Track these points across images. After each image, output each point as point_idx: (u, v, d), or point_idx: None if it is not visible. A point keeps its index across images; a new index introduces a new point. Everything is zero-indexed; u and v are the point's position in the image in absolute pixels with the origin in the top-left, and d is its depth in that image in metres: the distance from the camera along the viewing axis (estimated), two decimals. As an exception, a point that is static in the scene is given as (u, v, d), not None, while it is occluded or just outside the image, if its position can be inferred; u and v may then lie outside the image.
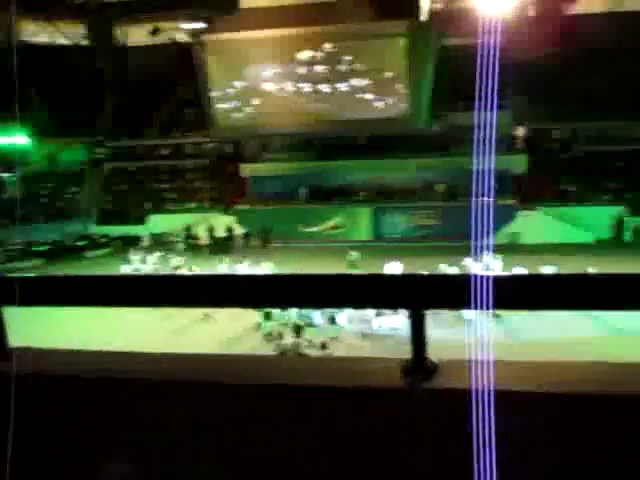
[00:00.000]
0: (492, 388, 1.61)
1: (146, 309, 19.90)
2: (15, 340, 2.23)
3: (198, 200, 37.45)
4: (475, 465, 1.57)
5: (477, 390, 1.61)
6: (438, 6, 25.75)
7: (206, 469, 1.90)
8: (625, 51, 34.96)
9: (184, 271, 22.73)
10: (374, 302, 2.35)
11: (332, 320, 16.49)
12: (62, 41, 41.59)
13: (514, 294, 1.81)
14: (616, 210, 31.13)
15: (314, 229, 33.55)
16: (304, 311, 16.59)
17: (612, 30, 34.39)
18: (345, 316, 17.22)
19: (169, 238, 35.39)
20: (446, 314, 14.51)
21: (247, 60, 24.96)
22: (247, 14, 22.44)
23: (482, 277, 1.70)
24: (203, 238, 34.19)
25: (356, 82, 24.50)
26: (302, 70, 24.64)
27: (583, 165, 33.98)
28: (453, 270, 19.79)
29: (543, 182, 33.62)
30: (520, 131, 35.18)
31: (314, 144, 35.59)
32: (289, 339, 14.91)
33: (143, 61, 41.60)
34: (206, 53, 25.12)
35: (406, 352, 1.82)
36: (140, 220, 37.17)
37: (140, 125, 40.99)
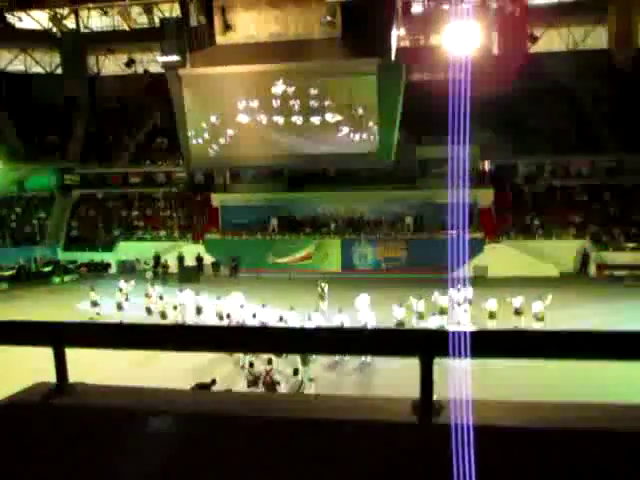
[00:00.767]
0: (494, 425, 1.86)
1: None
2: None
3: (168, 228, 37.34)
4: None
5: (480, 427, 1.83)
6: (406, 43, 26.54)
7: None
8: (585, 87, 36.35)
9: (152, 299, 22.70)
10: (385, 351, 2.59)
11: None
12: (37, 69, 41.75)
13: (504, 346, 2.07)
14: (580, 244, 31.89)
15: (284, 259, 33.68)
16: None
17: (573, 68, 35.85)
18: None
19: (137, 266, 35.23)
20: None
21: (222, 94, 25.30)
22: (222, 50, 22.85)
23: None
24: (172, 266, 34.10)
25: (328, 117, 24.98)
26: (275, 103, 25.08)
27: (547, 199, 34.88)
28: (421, 303, 20.15)
29: (509, 215, 34.39)
30: (486, 165, 36.05)
31: (284, 175, 35.98)
32: (260, 367, 14.95)
33: (116, 89, 41.89)
34: (181, 86, 25.40)
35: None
36: (108, 247, 36.91)
37: (111, 152, 40.97)
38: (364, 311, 20.13)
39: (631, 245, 31.22)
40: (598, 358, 1.93)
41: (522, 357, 2.03)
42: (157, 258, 34.52)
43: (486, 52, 23.62)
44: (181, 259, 34.12)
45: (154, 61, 33.07)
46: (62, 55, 30.83)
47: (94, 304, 23.55)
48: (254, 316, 18.36)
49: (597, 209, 33.54)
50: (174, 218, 37.84)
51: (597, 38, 35.23)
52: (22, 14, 28.69)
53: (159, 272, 33.35)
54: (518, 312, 20.81)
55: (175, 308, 20.76)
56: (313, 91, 24.44)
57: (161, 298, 22.39)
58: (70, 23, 28.34)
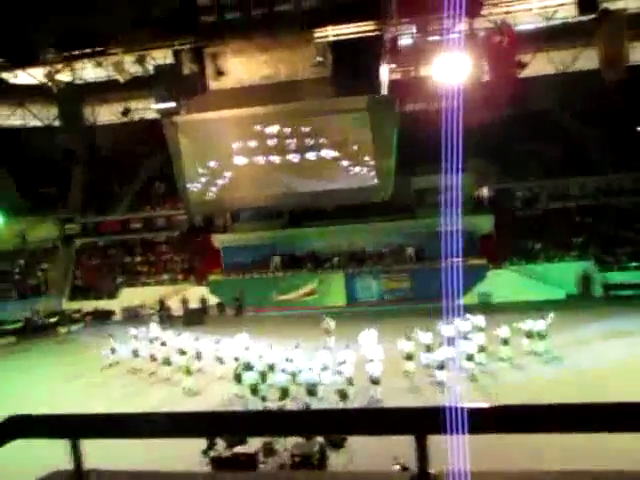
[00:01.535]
0: None
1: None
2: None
3: (170, 272, 37.38)
4: None
5: None
6: (397, 76, 26.90)
7: None
8: (575, 109, 36.69)
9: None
10: (382, 431, 2.61)
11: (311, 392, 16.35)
12: (34, 122, 42.29)
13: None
14: (583, 265, 31.78)
15: (288, 296, 33.62)
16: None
17: (563, 90, 36.22)
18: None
19: (142, 311, 35.19)
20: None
21: (217, 137, 25.63)
22: (215, 95, 23.22)
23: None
24: (177, 310, 34.09)
25: (324, 155, 25.22)
26: (271, 143, 25.35)
27: (547, 222, 34.90)
28: (428, 335, 20.01)
29: (509, 241, 34.38)
30: (483, 192, 36.20)
31: (283, 212, 36.16)
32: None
33: (112, 137, 42.37)
34: (177, 132, 25.74)
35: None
36: (112, 294, 36.91)
37: (110, 200, 41.27)
38: (370, 346, 19.99)
39: (635, 264, 31.13)
40: (604, 430, 1.92)
41: (522, 432, 2.03)
42: (162, 302, 34.50)
43: (476, 80, 23.86)
44: (185, 302, 34.13)
45: (149, 108, 33.53)
46: (59, 108, 31.22)
47: (113, 351, 23.73)
48: (260, 358, 18.26)
49: (597, 230, 33.52)
50: (176, 261, 37.91)
51: (587, 60, 35.57)
52: (18, 70, 29.15)
53: (164, 316, 33.31)
54: (529, 336, 20.80)
55: (182, 353, 20.63)
56: (307, 129, 24.73)
57: (163, 344, 22.20)
58: (65, 76, 28.78)
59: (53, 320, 34.44)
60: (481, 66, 23.13)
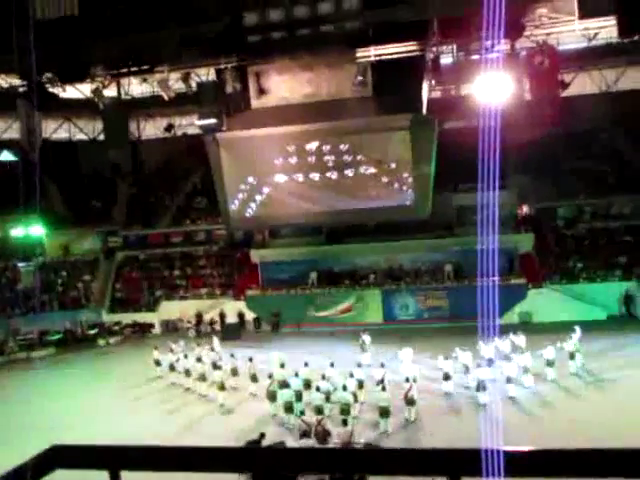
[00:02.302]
0: None
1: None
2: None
3: (209, 286, 37.77)
4: None
5: None
6: (438, 94, 26.88)
7: None
8: (621, 127, 36.09)
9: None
10: (416, 471, 2.63)
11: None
12: (80, 136, 43.57)
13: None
14: (626, 286, 31.05)
15: (325, 313, 33.62)
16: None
17: (607, 109, 35.72)
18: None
19: (180, 325, 35.61)
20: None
21: (258, 155, 25.97)
22: (257, 113, 23.55)
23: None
24: (214, 324, 34.43)
25: (362, 171, 25.29)
26: (311, 160, 25.54)
27: (589, 241, 34.25)
28: (467, 355, 19.76)
29: (550, 260, 33.83)
30: (524, 210, 35.74)
31: (322, 228, 36.26)
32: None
33: (156, 153, 43.34)
34: (219, 150, 26.16)
35: None
36: (151, 307, 37.47)
37: (152, 214, 42.02)
38: (407, 365, 19.86)
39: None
40: None
41: (560, 476, 2.01)
42: (199, 316, 34.87)
43: (518, 99, 23.64)
44: (223, 316, 34.43)
45: (192, 124, 34.16)
46: (104, 123, 32.04)
47: (157, 363, 24.03)
48: (296, 375, 18.27)
49: (641, 250, 32.73)
50: (215, 276, 38.30)
51: (630, 79, 35.10)
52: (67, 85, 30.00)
53: (201, 330, 33.64)
54: (572, 356, 20.49)
55: (216, 367, 20.72)
56: (346, 147, 24.87)
57: (199, 360, 22.29)
58: (111, 92, 29.56)
59: (93, 332, 35.08)
60: (523, 85, 22.92)
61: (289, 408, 16.86)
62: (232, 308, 34.88)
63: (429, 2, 20.23)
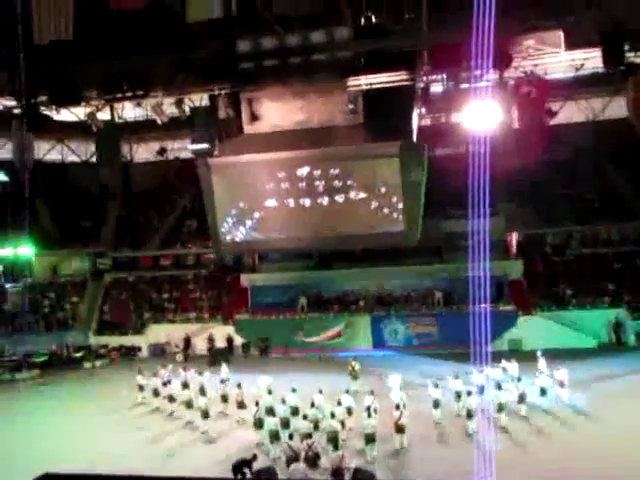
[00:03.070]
0: None
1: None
2: None
3: (197, 310, 37.58)
4: None
5: None
6: (427, 122, 27.22)
7: None
8: (606, 155, 36.60)
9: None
10: None
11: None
12: (72, 158, 43.68)
13: None
14: (615, 312, 31.17)
15: (314, 338, 33.45)
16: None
17: (593, 136, 36.29)
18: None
19: (168, 348, 35.30)
20: None
21: (249, 180, 26.04)
22: (249, 138, 23.74)
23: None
24: (202, 348, 34.17)
25: (352, 196, 25.40)
26: (301, 185, 25.65)
27: (578, 268, 34.44)
28: (458, 382, 19.65)
29: (539, 286, 33.96)
30: (514, 237, 35.94)
31: (312, 253, 36.25)
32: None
33: (147, 175, 43.44)
34: (211, 174, 26.25)
35: None
36: (139, 330, 37.17)
37: (142, 236, 41.91)
38: (396, 391, 19.75)
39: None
40: None
41: None
42: (187, 340, 34.62)
43: (506, 127, 24.01)
44: (211, 340, 34.20)
45: (184, 148, 34.36)
46: (97, 145, 32.18)
47: (140, 388, 23.57)
48: (283, 402, 18.07)
49: (630, 276, 32.94)
50: (203, 300, 38.13)
51: (616, 108, 35.66)
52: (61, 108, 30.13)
53: (189, 355, 33.36)
54: (563, 385, 20.44)
55: (202, 392, 20.46)
56: (337, 172, 25.03)
57: (185, 386, 21.95)
58: (105, 115, 29.69)
59: (79, 355, 34.66)
60: (511, 113, 23.29)
61: (274, 436, 16.62)
62: (221, 332, 34.65)
63: (419, 33, 20.59)
